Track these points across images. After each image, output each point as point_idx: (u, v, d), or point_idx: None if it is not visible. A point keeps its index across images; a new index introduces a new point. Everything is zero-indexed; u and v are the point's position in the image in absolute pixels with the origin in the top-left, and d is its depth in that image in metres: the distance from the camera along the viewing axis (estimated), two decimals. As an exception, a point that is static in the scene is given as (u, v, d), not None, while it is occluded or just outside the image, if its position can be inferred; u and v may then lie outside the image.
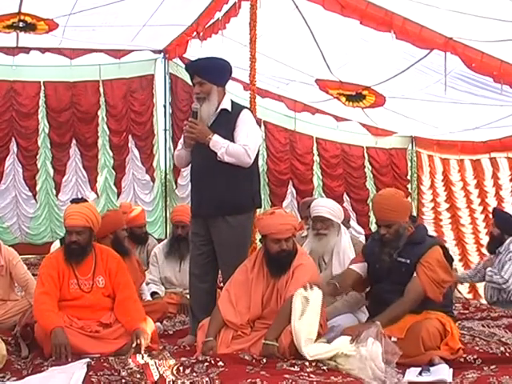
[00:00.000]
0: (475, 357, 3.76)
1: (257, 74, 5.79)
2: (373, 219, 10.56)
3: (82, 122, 9.97)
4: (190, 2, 7.30)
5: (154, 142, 10.36)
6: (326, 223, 4.61)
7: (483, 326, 4.89)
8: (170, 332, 4.79)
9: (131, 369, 3.47)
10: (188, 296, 4.87)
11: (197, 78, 4.21)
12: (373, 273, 4.13)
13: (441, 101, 7.42)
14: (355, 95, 8.14)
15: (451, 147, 10.04)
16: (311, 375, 3.37)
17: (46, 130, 9.89)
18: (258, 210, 4.49)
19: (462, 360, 3.74)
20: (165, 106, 10.46)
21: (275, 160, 10.60)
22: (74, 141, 9.97)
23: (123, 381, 3.31)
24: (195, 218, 4.38)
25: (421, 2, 5.31)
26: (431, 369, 3.52)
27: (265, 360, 3.61)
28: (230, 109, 4.25)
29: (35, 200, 9.87)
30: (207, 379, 3.27)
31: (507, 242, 6.16)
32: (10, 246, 5.13)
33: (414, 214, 9.74)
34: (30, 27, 8.01)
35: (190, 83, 4.44)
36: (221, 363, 3.50)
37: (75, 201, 4.29)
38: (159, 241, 6.73)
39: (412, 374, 3.49)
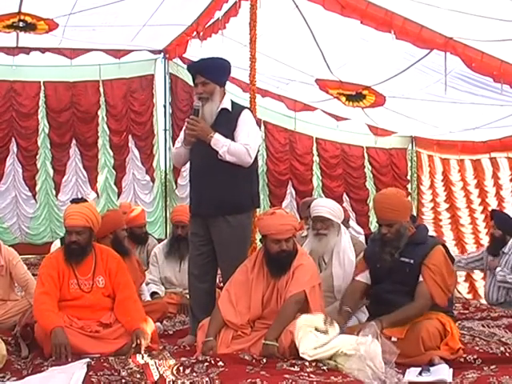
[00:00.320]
0: (475, 357, 3.76)
1: (257, 74, 5.79)
2: (372, 219, 10.57)
3: (81, 121, 9.96)
4: (189, 1, 7.30)
5: (153, 142, 10.37)
6: (326, 223, 4.61)
7: (483, 326, 4.89)
8: (170, 332, 4.79)
9: (131, 369, 3.48)
10: (188, 296, 4.87)
11: (200, 78, 4.20)
12: (373, 273, 4.12)
13: (441, 101, 7.42)
14: (355, 95, 8.14)
15: (451, 147, 10.03)
16: (311, 375, 3.37)
17: (46, 130, 9.88)
18: (257, 210, 4.49)
19: (462, 360, 3.74)
20: (165, 106, 10.46)
21: (275, 160, 10.60)
22: (73, 141, 9.96)
23: (123, 381, 3.31)
24: (194, 217, 4.37)
25: (421, 2, 5.31)
26: (431, 369, 3.52)
27: (265, 360, 3.61)
28: (230, 108, 4.25)
29: (35, 200, 9.87)
30: (207, 379, 3.27)
31: (510, 242, 6.18)
32: (10, 246, 5.13)
33: (414, 213, 9.74)
34: (29, 27, 8.01)
35: (190, 83, 4.45)
36: (221, 363, 3.50)
37: (75, 201, 4.28)
38: (159, 241, 6.73)
39: (412, 373, 3.49)
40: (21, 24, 7.84)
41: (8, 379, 3.44)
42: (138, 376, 3.37)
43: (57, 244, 5.36)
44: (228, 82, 4.47)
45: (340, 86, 7.98)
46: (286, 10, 6.62)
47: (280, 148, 10.64)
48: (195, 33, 7.97)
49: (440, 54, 5.97)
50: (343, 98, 8.43)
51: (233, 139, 4.14)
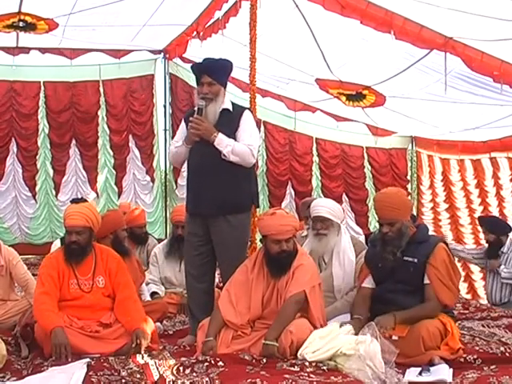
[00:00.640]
0: (475, 357, 3.76)
1: (257, 74, 5.79)
2: (372, 219, 10.57)
3: (81, 122, 9.96)
4: (189, 1, 7.30)
5: (154, 142, 10.37)
6: (325, 223, 4.60)
7: (483, 326, 4.89)
8: (170, 332, 4.78)
9: (131, 369, 3.48)
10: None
11: (207, 78, 4.17)
12: (375, 274, 4.11)
13: (441, 100, 7.43)
14: (355, 95, 8.14)
15: (451, 147, 10.03)
16: (311, 375, 3.37)
17: (46, 131, 9.88)
18: (257, 210, 4.49)
19: (462, 360, 3.74)
20: (165, 106, 10.46)
21: (274, 161, 10.59)
22: (73, 141, 9.96)
23: (123, 381, 3.31)
24: (193, 217, 4.33)
25: (421, 1, 5.31)
26: (431, 369, 3.52)
27: (265, 360, 3.61)
28: (231, 109, 4.25)
29: (35, 200, 9.87)
30: (207, 379, 3.27)
31: (508, 241, 6.20)
32: (10, 246, 5.13)
33: (414, 213, 9.74)
34: (29, 27, 8.01)
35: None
36: (221, 363, 3.50)
37: (75, 201, 4.28)
38: (159, 241, 6.73)
39: (412, 373, 3.49)
40: (21, 24, 7.84)
41: (8, 379, 3.44)
42: (138, 376, 3.37)
43: (57, 244, 5.37)
44: (228, 82, 4.46)
45: (340, 86, 7.99)
46: (286, 9, 6.62)
47: (280, 148, 10.64)
48: (195, 33, 7.97)
49: (440, 54, 5.97)
50: (343, 98, 8.44)
51: (234, 139, 4.14)
